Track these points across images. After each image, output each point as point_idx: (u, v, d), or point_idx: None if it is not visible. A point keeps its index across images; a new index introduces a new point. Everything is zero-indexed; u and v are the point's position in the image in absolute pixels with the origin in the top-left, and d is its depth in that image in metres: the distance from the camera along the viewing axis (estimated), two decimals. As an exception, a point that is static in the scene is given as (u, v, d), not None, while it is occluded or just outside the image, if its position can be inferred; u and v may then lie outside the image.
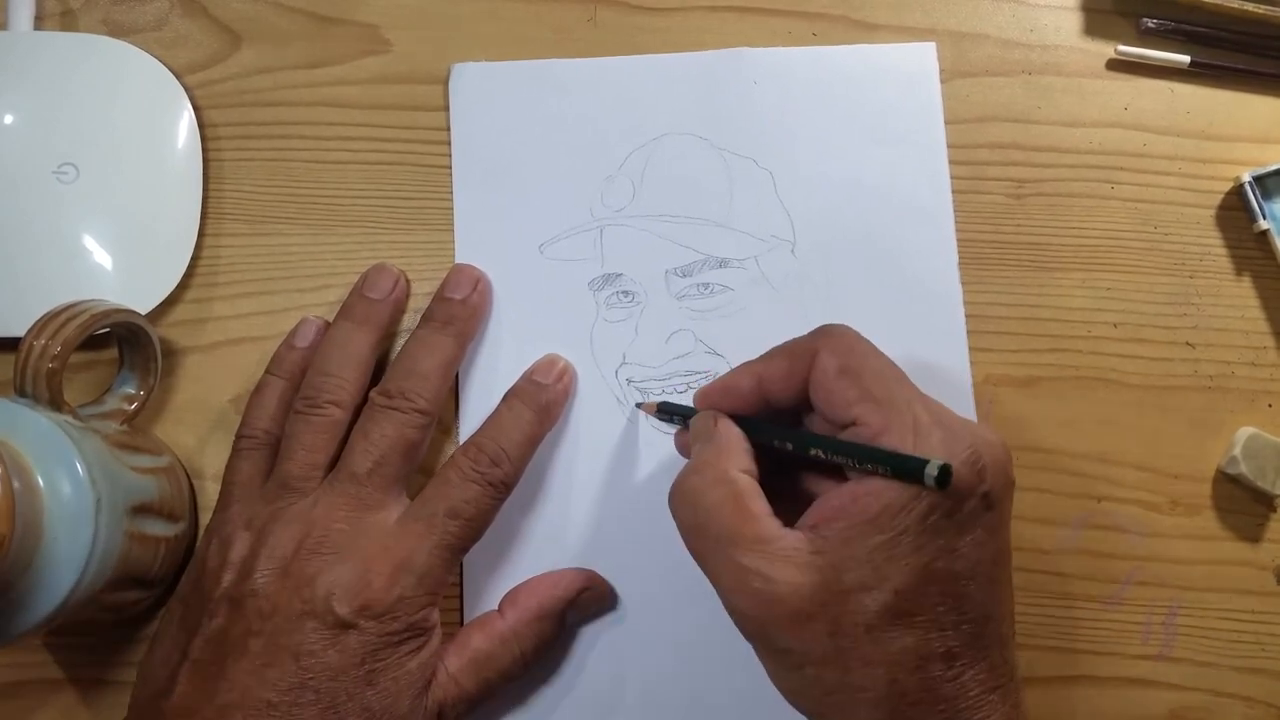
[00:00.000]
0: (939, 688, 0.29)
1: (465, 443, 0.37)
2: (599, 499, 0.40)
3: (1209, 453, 0.41)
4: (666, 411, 0.38)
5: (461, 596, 0.39)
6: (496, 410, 0.38)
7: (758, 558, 0.30)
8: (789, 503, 0.31)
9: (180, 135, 0.42)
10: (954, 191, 0.42)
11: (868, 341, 0.33)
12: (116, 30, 0.44)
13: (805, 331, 0.40)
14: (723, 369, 0.40)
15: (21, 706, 0.39)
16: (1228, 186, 0.43)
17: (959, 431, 0.30)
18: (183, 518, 0.39)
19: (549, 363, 0.40)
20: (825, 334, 0.33)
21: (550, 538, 0.40)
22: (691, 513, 0.32)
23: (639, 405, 0.40)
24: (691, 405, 0.37)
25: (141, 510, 0.36)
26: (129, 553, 0.35)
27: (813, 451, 0.32)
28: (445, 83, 0.43)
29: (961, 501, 0.29)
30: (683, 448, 0.38)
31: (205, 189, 0.42)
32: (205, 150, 0.42)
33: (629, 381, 0.41)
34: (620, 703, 0.39)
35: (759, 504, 0.31)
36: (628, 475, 0.40)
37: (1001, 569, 0.31)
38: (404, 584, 0.34)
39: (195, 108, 0.42)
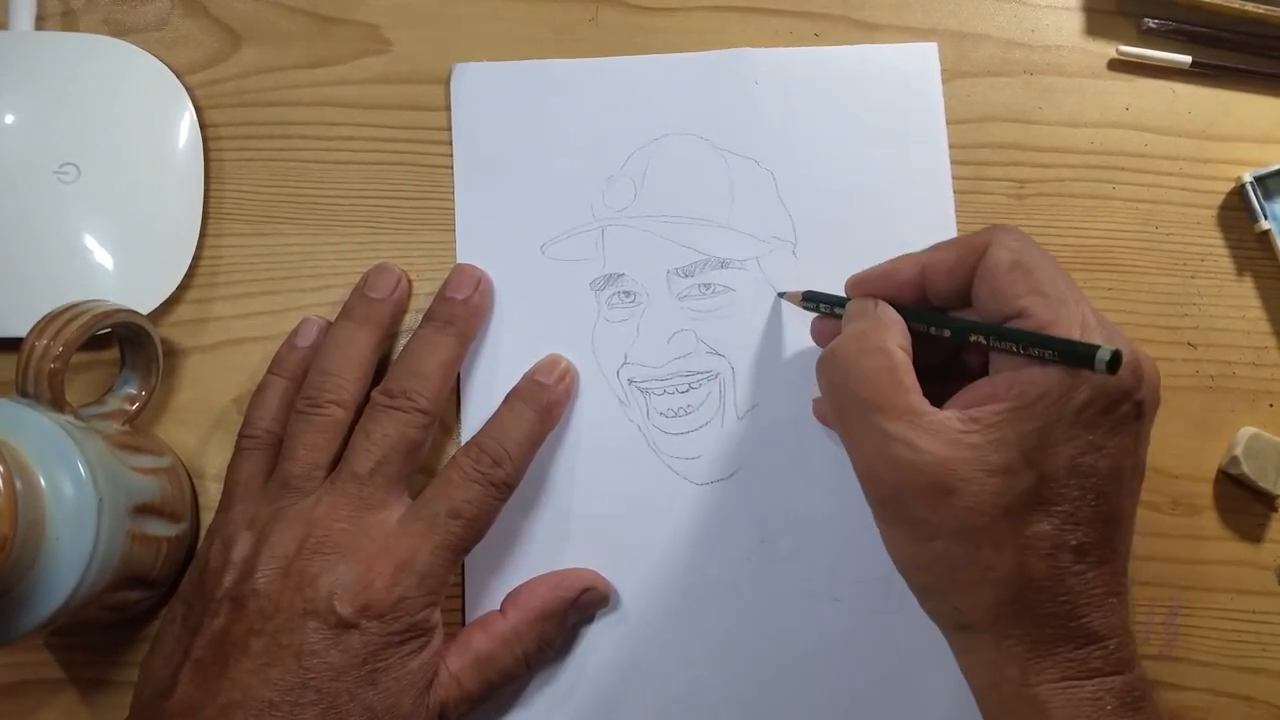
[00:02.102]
0: (1065, 578, 0.29)
1: (467, 443, 0.37)
2: (600, 499, 0.40)
3: (1210, 452, 0.41)
4: (814, 299, 0.38)
5: (463, 596, 0.39)
6: (498, 410, 0.38)
7: (905, 427, 0.30)
8: (931, 394, 0.32)
9: (181, 135, 0.42)
10: (955, 192, 0.42)
11: (1038, 244, 0.33)
12: (118, 30, 0.43)
13: (807, 332, 0.40)
14: (724, 369, 0.40)
15: (23, 706, 0.39)
16: (1229, 187, 0.43)
17: (1122, 339, 0.31)
18: (184, 518, 0.39)
19: (551, 363, 0.40)
20: (998, 230, 0.33)
21: (552, 538, 0.40)
22: (843, 376, 0.33)
23: (781, 295, 0.40)
24: (812, 299, 0.38)
25: (143, 510, 0.36)
26: (131, 553, 0.35)
27: (974, 338, 0.32)
28: (446, 83, 0.43)
29: (1117, 402, 0.30)
30: (819, 334, 0.39)
31: (206, 189, 0.42)
32: (206, 150, 0.42)
33: (630, 382, 0.41)
34: (620, 703, 0.39)
35: (911, 379, 0.32)
36: (629, 475, 0.40)
37: (1137, 481, 0.32)
38: (406, 584, 0.34)
39: (196, 107, 0.42)
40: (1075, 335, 0.30)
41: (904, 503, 0.31)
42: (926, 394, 0.32)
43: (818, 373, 0.34)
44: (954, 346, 0.34)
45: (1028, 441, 0.29)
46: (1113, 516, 0.30)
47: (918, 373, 0.33)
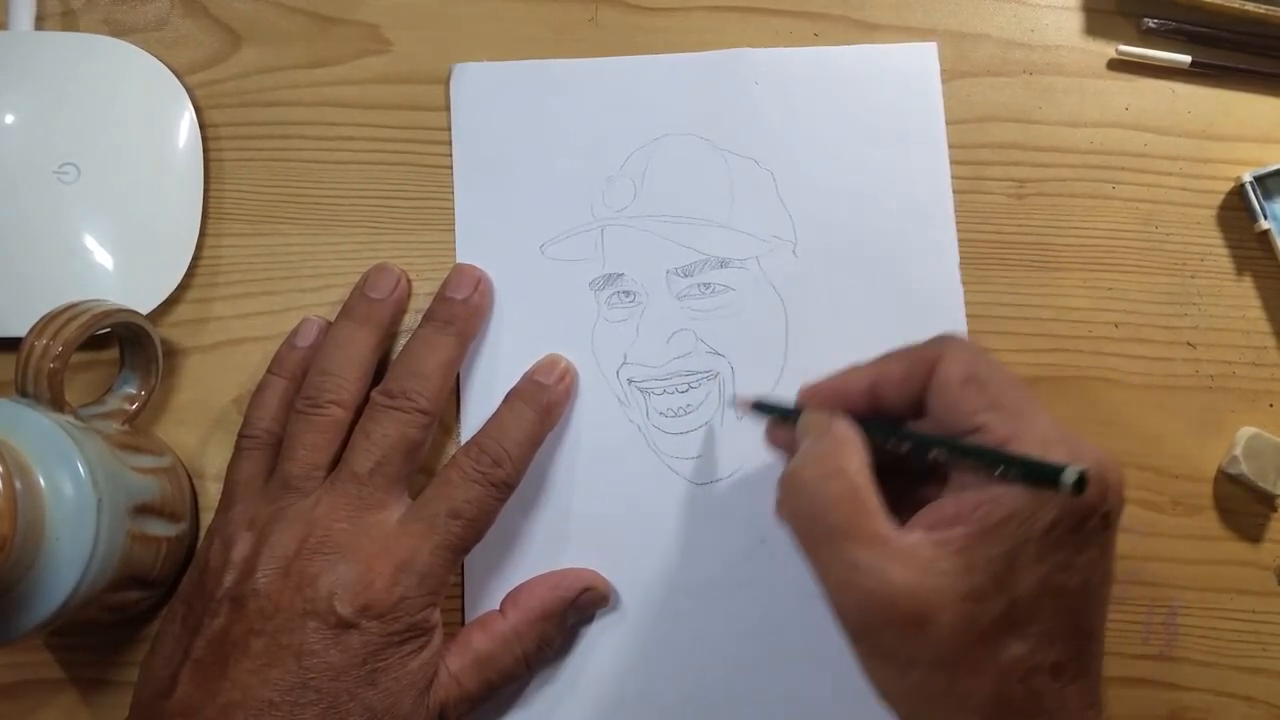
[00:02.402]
0: (1043, 699, 0.29)
1: (467, 443, 0.37)
2: (600, 499, 0.40)
3: (1210, 453, 0.41)
4: (764, 409, 0.38)
5: (463, 596, 0.39)
6: (498, 410, 0.38)
7: (873, 555, 0.29)
8: (891, 493, 0.31)
9: (181, 135, 0.42)
10: (955, 191, 0.42)
11: (990, 353, 0.32)
12: (117, 30, 0.43)
13: (806, 332, 0.40)
14: (724, 369, 0.40)
15: (23, 706, 0.39)
16: (1229, 186, 0.43)
17: (1084, 448, 0.30)
18: (184, 518, 0.39)
19: (550, 363, 0.40)
20: (947, 342, 0.33)
21: (551, 538, 0.40)
22: (807, 504, 0.31)
23: (732, 404, 0.40)
24: (763, 409, 0.37)
25: (143, 510, 0.36)
26: (130, 553, 0.35)
27: (933, 454, 0.31)
28: (446, 83, 0.43)
29: (1084, 518, 0.29)
30: (776, 441, 0.38)
31: (206, 189, 0.42)
32: (206, 150, 0.42)
33: (630, 381, 0.41)
34: (620, 703, 0.39)
35: (875, 502, 0.31)
36: (629, 475, 0.40)
37: (1108, 590, 0.31)
38: (405, 584, 0.34)
39: (196, 107, 0.42)
40: (1035, 450, 0.29)
41: (879, 636, 0.30)
42: (886, 497, 0.31)
43: (779, 497, 0.33)
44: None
45: (996, 565, 0.29)
46: (1085, 630, 0.30)
47: (876, 473, 0.32)
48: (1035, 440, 0.30)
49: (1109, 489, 0.30)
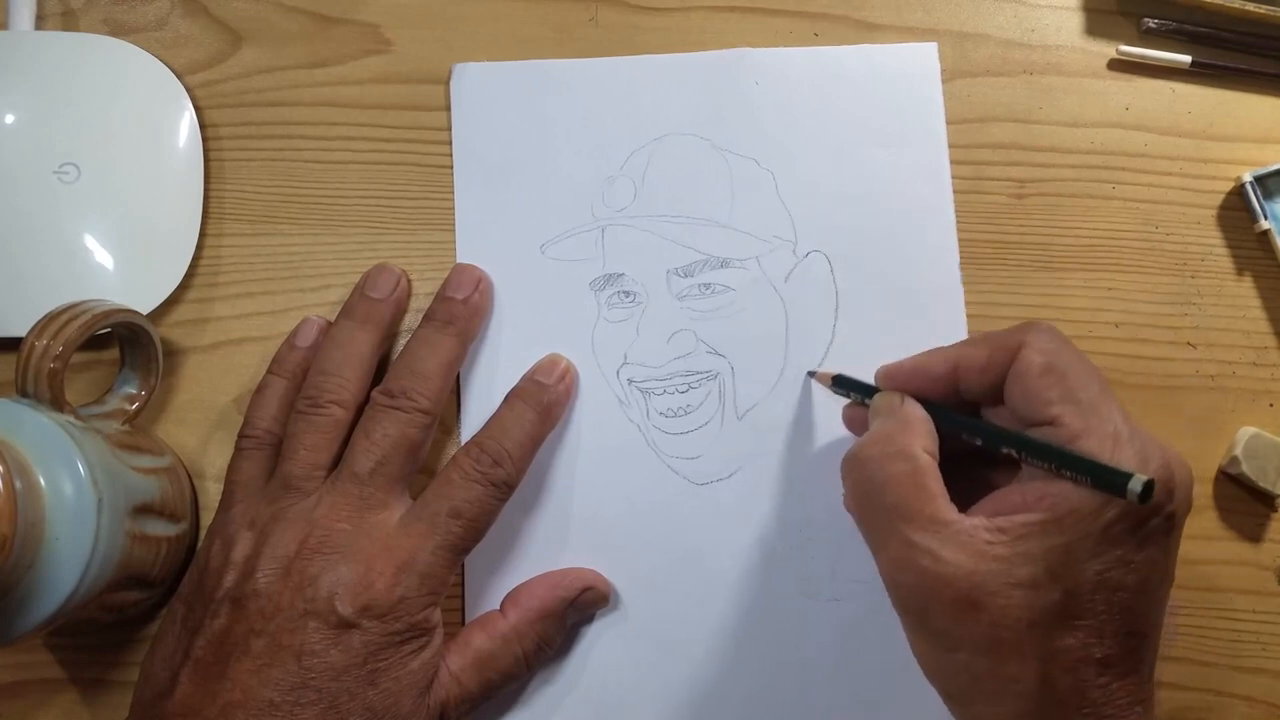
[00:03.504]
0: (1088, 691, 0.29)
1: (467, 443, 0.37)
2: (600, 499, 0.40)
3: (1210, 452, 0.41)
4: (843, 385, 0.38)
5: (463, 596, 0.39)
6: (498, 410, 0.38)
7: (930, 537, 0.30)
8: (955, 490, 0.32)
9: (181, 135, 0.42)
10: (955, 191, 0.42)
11: (1073, 344, 0.33)
12: (118, 30, 0.43)
13: (807, 332, 0.40)
14: (724, 369, 0.40)
15: (23, 706, 0.39)
16: (1229, 186, 0.43)
17: (1154, 447, 0.30)
18: (184, 518, 0.39)
19: (551, 363, 0.40)
20: (1032, 329, 0.33)
21: (552, 538, 0.40)
22: (867, 481, 0.32)
23: (811, 374, 0.40)
24: (841, 384, 0.38)
25: (143, 510, 0.36)
26: (130, 553, 0.35)
27: (1005, 450, 0.32)
28: (446, 82, 0.43)
29: (1147, 517, 0.29)
30: (849, 421, 0.39)
31: (206, 189, 0.42)
32: (206, 150, 0.42)
33: (630, 381, 0.41)
34: (620, 703, 0.39)
35: (937, 485, 0.31)
36: (629, 475, 0.40)
37: (1166, 590, 0.31)
38: (406, 584, 0.34)
39: (196, 107, 0.42)
40: (1106, 447, 0.30)
41: (929, 614, 0.30)
42: (956, 481, 0.31)
43: (842, 473, 0.34)
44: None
45: (1054, 556, 0.29)
46: (1139, 629, 0.30)
47: (949, 461, 0.32)
48: (1106, 437, 0.30)
49: (1175, 490, 0.30)
